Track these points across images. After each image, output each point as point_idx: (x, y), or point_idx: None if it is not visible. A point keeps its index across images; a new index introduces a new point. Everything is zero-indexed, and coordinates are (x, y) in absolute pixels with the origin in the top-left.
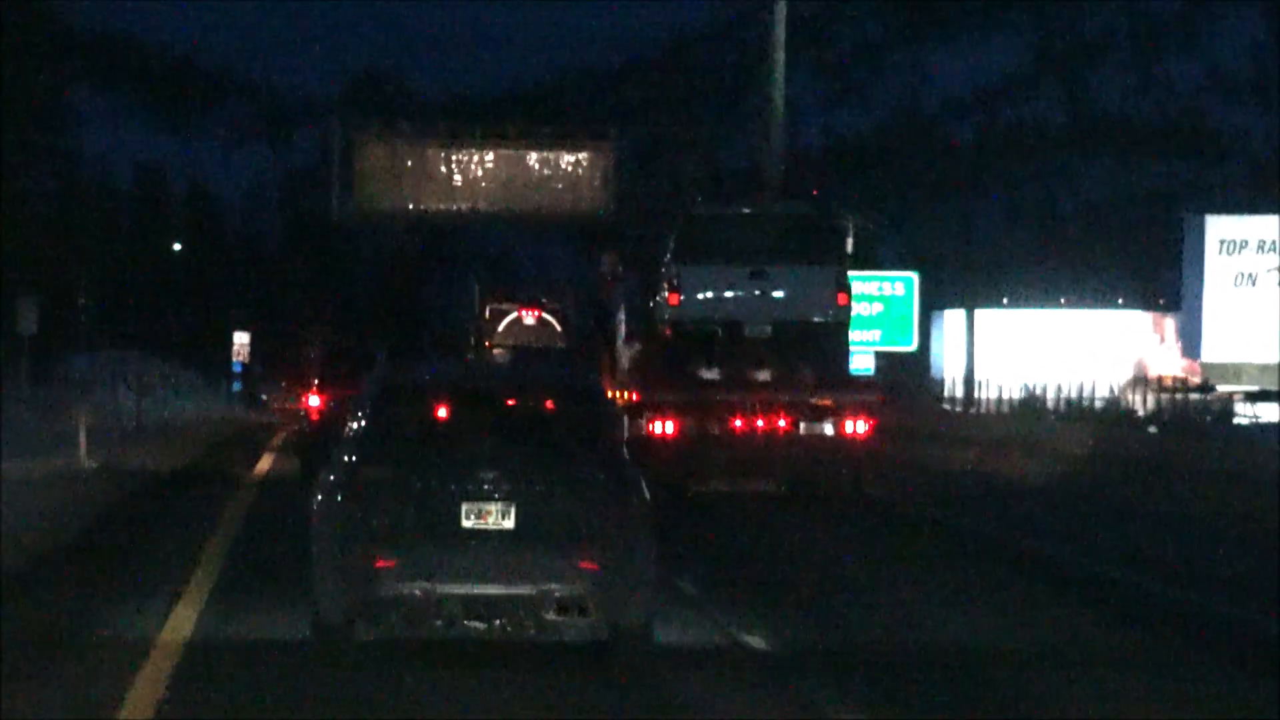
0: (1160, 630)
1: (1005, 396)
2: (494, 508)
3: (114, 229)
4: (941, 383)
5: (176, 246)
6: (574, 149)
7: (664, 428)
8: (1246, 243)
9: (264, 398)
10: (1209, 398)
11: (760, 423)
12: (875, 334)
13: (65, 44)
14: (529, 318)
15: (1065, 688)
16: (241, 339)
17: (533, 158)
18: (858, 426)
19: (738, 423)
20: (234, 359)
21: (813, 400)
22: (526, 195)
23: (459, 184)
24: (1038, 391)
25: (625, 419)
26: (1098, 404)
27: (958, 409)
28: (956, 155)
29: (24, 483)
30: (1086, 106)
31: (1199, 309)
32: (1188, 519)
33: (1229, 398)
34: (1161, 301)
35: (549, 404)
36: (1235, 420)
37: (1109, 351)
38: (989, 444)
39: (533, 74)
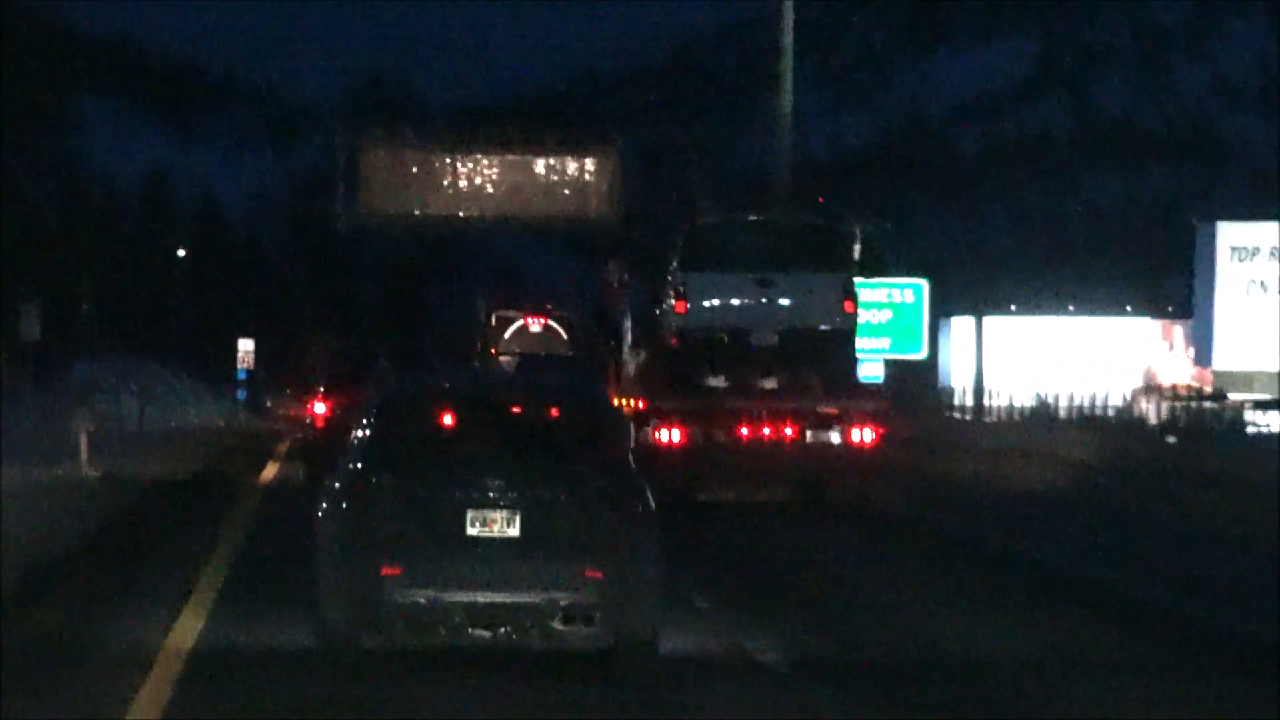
0: (1172, 641)
1: (1016, 405)
2: (499, 515)
3: (118, 235)
4: (950, 391)
5: (181, 252)
6: (580, 155)
7: (670, 436)
8: (1259, 249)
9: (268, 404)
10: (1221, 406)
11: (767, 431)
12: (885, 341)
13: (69, 49)
14: (535, 325)
15: (1077, 700)
16: (246, 345)
17: (538, 164)
18: (865, 435)
19: (744, 431)
20: (238, 365)
21: (819, 408)
22: (532, 201)
23: (464, 189)
24: (1049, 400)
25: (631, 427)
26: (1110, 413)
27: (967, 417)
28: (963, 162)
29: (24, 491)
30: (1093, 114)
31: (1210, 316)
32: (1206, 529)
33: (1240, 406)
34: (1170, 309)
35: (554, 412)
36: (1247, 429)
37: (1117, 359)
38: (999, 453)
39: (538, 80)
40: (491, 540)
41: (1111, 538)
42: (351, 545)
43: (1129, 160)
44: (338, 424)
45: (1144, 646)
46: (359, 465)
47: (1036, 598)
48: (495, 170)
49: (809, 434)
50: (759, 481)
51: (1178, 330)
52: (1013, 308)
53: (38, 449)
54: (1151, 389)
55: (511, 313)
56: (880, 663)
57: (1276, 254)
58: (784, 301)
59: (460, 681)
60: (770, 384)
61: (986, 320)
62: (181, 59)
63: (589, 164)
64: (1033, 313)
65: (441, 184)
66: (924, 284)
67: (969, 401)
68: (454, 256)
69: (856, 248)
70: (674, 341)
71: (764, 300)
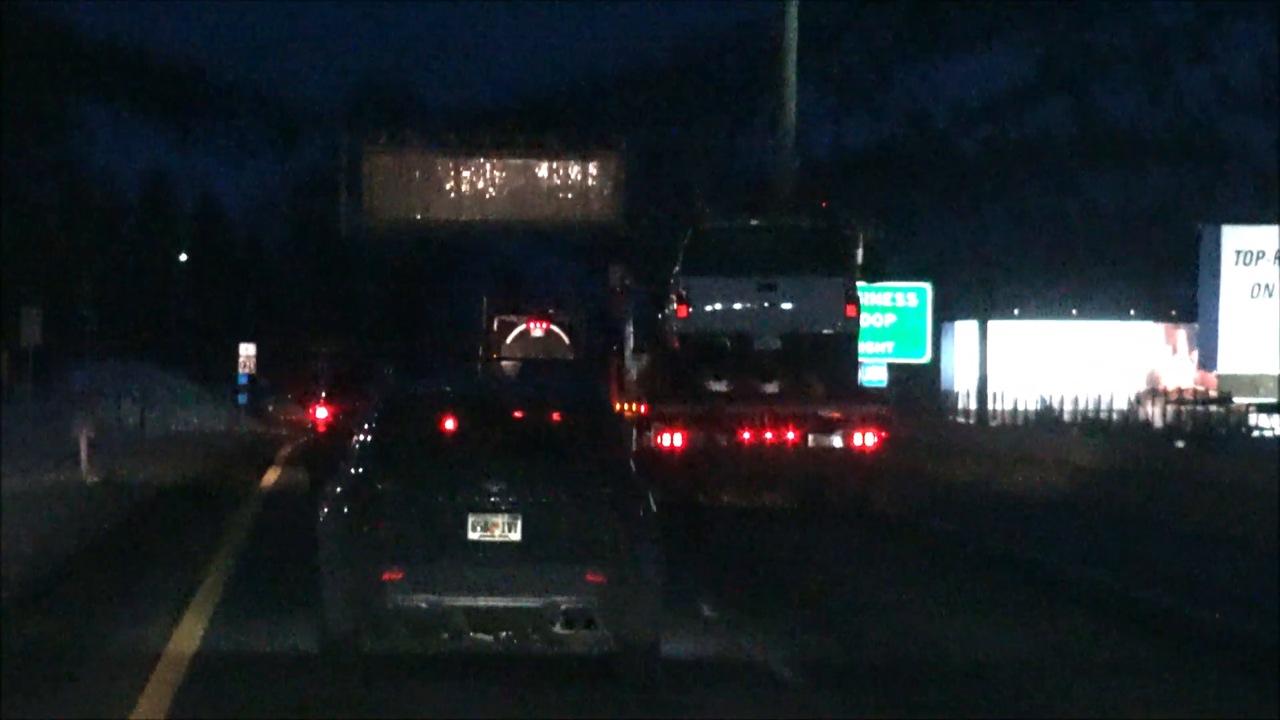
0: (1172, 642)
1: (1020, 408)
2: (500, 520)
3: (119, 239)
4: (955, 395)
5: (182, 257)
6: (583, 159)
7: (672, 440)
8: (1264, 253)
9: (270, 409)
10: (1226, 410)
11: (769, 435)
12: (888, 345)
13: (69, 51)
14: (537, 329)
15: (1079, 700)
16: (247, 350)
17: (541, 167)
18: (867, 439)
19: (746, 435)
20: (240, 370)
21: (822, 413)
22: (535, 205)
23: (467, 194)
24: (1053, 404)
25: (633, 431)
26: (1114, 416)
27: (971, 421)
28: (965, 164)
29: (25, 495)
30: (1095, 117)
31: (1215, 320)
32: (1207, 531)
33: (1245, 410)
34: (1173, 313)
35: (556, 416)
36: (1254, 433)
37: (1121, 363)
38: (1002, 456)
39: (540, 82)
40: (493, 544)
41: (1112, 539)
42: (353, 549)
43: (1131, 162)
44: (340, 428)
45: (1145, 647)
46: (360, 469)
47: (1038, 599)
48: (498, 174)
49: (811, 438)
50: (761, 485)
51: (1181, 334)
52: (1016, 311)
53: (38, 453)
54: (1156, 393)
55: (514, 317)
56: (882, 664)
57: None
58: (786, 305)
59: (461, 685)
60: (772, 388)
61: (991, 324)
62: (182, 61)
63: (592, 168)
64: (1036, 316)
65: (444, 188)
66: (928, 288)
67: (973, 405)
68: (456, 260)
69: (859, 251)
70: (676, 345)
71: (766, 304)
